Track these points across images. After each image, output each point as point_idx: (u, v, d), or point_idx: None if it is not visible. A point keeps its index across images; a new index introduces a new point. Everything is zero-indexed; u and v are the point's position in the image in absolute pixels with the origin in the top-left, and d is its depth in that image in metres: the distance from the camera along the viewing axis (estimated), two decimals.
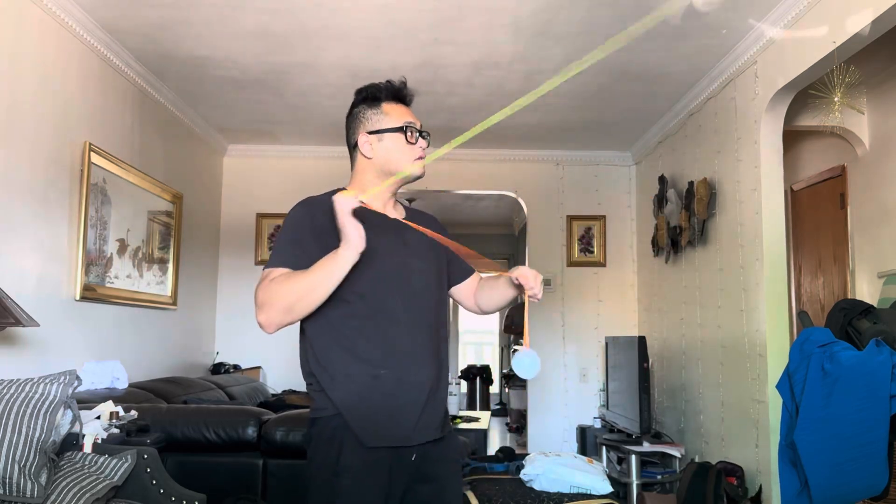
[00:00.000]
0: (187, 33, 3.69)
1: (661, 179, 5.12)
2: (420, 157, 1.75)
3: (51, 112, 3.31)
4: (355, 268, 1.58)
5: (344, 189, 1.71)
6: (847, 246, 4.31)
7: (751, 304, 3.77)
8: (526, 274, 1.70)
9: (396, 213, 1.80)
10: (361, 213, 1.58)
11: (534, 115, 4.98)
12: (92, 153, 3.61)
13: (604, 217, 5.92)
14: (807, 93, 3.44)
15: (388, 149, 1.73)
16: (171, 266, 4.69)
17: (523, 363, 1.66)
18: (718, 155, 4.22)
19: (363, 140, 1.74)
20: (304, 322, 1.67)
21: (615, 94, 4.56)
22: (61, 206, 3.41)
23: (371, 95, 1.75)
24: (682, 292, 4.81)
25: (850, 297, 4.22)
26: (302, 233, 1.68)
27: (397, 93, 1.76)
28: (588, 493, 3.83)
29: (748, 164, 3.82)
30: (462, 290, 1.93)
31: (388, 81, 1.76)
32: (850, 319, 2.66)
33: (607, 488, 4.11)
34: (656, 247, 5.26)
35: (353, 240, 1.52)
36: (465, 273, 1.92)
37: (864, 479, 2.36)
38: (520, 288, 1.73)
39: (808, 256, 4.74)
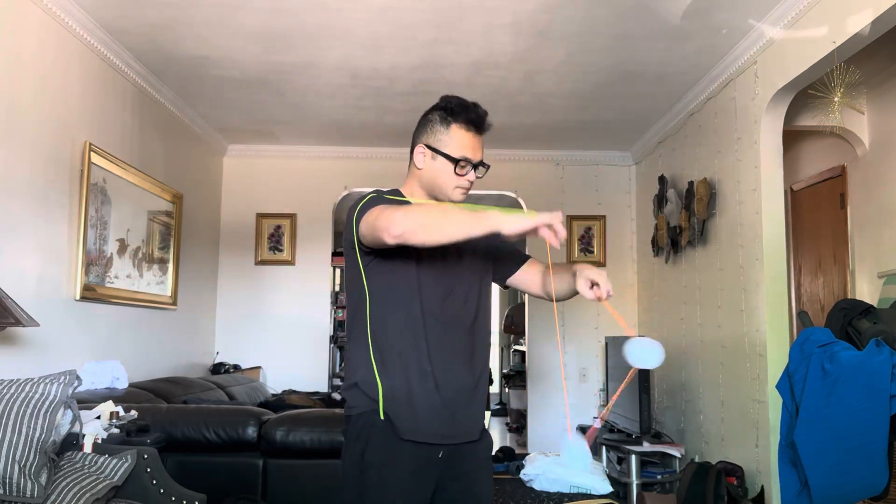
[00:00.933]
0: (187, 33, 3.69)
1: (661, 179, 5.12)
2: (463, 189, 1.76)
3: (51, 112, 3.31)
4: (419, 266, 1.67)
5: (398, 190, 1.80)
6: (847, 246, 4.31)
7: (751, 304, 3.77)
8: (600, 276, 1.65)
9: None
10: None
11: (534, 115, 4.98)
12: (92, 153, 3.61)
13: (604, 217, 5.92)
14: (807, 93, 3.44)
15: (437, 170, 1.75)
16: (171, 266, 4.69)
17: (641, 353, 1.56)
18: (718, 155, 4.22)
19: (420, 150, 1.77)
20: (364, 314, 1.71)
21: (615, 94, 4.56)
22: (61, 206, 3.41)
23: (449, 110, 1.75)
24: (682, 292, 4.81)
25: (850, 297, 4.22)
26: (386, 199, 1.71)
27: (473, 121, 1.74)
28: (588, 493, 3.84)
29: (748, 164, 3.82)
30: (522, 278, 1.91)
31: (473, 105, 1.76)
32: (850, 319, 2.66)
33: (607, 488, 4.11)
34: (656, 247, 5.26)
35: (524, 219, 1.46)
36: (519, 260, 1.91)
37: (864, 479, 2.36)
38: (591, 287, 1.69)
39: (808, 256, 4.74)
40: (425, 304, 1.69)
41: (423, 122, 1.79)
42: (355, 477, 1.66)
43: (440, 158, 1.73)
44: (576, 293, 1.75)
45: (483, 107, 1.78)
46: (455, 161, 1.72)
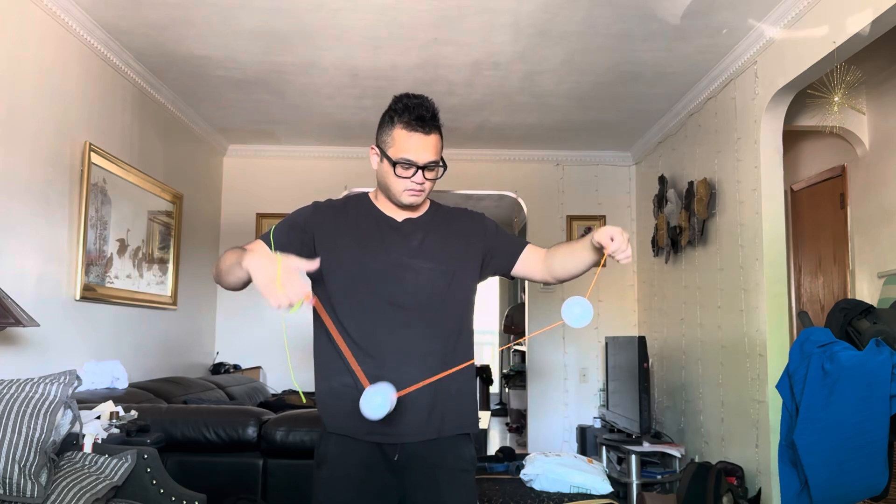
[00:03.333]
0: (187, 33, 3.69)
1: (661, 179, 5.12)
2: (411, 191, 1.69)
3: (51, 112, 3.31)
4: (339, 266, 1.67)
5: (367, 194, 1.81)
6: (847, 246, 4.31)
7: (751, 304, 3.77)
8: (607, 233, 1.57)
9: (411, 214, 1.77)
10: (357, 212, 1.71)
11: (534, 115, 4.98)
12: (92, 153, 3.61)
13: (604, 217, 5.92)
14: (807, 93, 3.44)
15: (384, 172, 1.71)
16: (171, 266, 4.69)
17: (573, 311, 1.52)
18: (718, 155, 4.22)
19: (372, 151, 1.74)
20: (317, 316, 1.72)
21: (615, 94, 4.56)
22: (61, 207, 3.41)
23: (394, 109, 1.69)
24: (682, 292, 4.81)
25: (850, 297, 4.22)
26: (298, 220, 1.74)
27: (415, 120, 1.66)
28: (588, 493, 3.83)
29: (748, 164, 3.82)
30: (524, 266, 1.85)
31: (417, 104, 1.67)
32: (850, 319, 2.66)
33: (607, 488, 4.11)
34: (656, 247, 5.26)
35: (254, 263, 1.45)
36: (516, 249, 1.85)
37: (864, 479, 2.36)
38: (600, 252, 1.63)
39: (808, 256, 4.74)
40: (374, 298, 1.67)
41: (379, 122, 1.74)
42: (313, 472, 1.71)
43: (385, 160, 1.69)
44: (586, 269, 1.74)
45: (432, 103, 1.69)
46: (393, 163, 1.66)
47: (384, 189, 1.74)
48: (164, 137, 4.63)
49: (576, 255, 1.74)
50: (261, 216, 5.81)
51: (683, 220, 4.64)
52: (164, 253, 4.62)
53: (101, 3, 3.37)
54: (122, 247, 4.03)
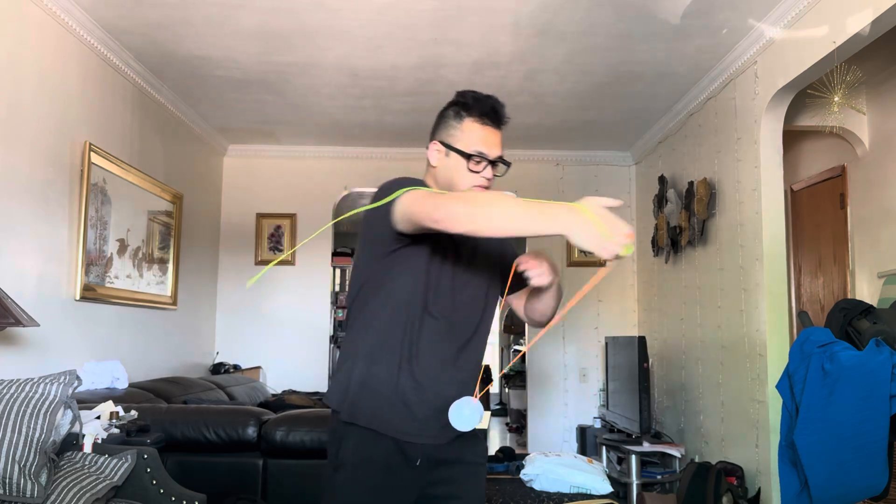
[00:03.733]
0: (187, 33, 3.69)
1: (661, 179, 5.12)
2: (480, 186, 1.66)
3: (51, 112, 3.31)
4: (430, 263, 1.61)
5: (423, 181, 1.68)
6: (847, 246, 4.31)
7: (751, 304, 3.77)
8: (524, 258, 1.58)
9: None
10: None
11: (534, 115, 4.98)
12: (92, 153, 3.61)
13: None
14: (807, 93, 3.44)
15: (451, 167, 1.67)
16: (171, 266, 4.69)
17: (461, 413, 1.53)
18: (718, 155, 4.22)
19: (434, 146, 1.70)
20: (363, 304, 1.65)
21: (615, 94, 4.56)
22: (61, 206, 3.41)
23: (462, 104, 1.67)
24: (682, 292, 4.81)
25: (850, 297, 4.22)
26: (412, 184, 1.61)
27: (487, 113, 1.65)
28: (588, 493, 3.83)
29: (748, 164, 3.82)
30: (516, 301, 1.85)
31: (487, 97, 1.67)
32: (850, 319, 2.66)
33: (607, 488, 4.11)
34: (656, 247, 5.26)
35: (571, 218, 1.25)
36: (522, 282, 1.76)
37: (864, 479, 2.36)
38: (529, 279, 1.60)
39: (808, 256, 4.74)
40: (428, 304, 1.62)
41: (439, 119, 1.72)
42: (328, 477, 1.63)
43: (453, 155, 1.66)
44: (551, 297, 1.72)
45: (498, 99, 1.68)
46: (468, 156, 1.64)
47: (448, 186, 1.68)
48: (164, 137, 4.63)
49: (533, 294, 1.74)
50: (261, 216, 5.81)
51: (683, 220, 4.64)
52: (164, 253, 4.62)
53: (101, 3, 3.37)
54: (122, 247, 4.03)
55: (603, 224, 1.23)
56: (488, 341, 1.81)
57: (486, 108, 1.65)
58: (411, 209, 1.46)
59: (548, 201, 1.31)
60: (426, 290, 1.62)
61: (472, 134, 1.65)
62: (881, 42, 3.16)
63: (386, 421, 1.59)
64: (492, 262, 1.75)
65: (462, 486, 1.69)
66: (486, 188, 1.67)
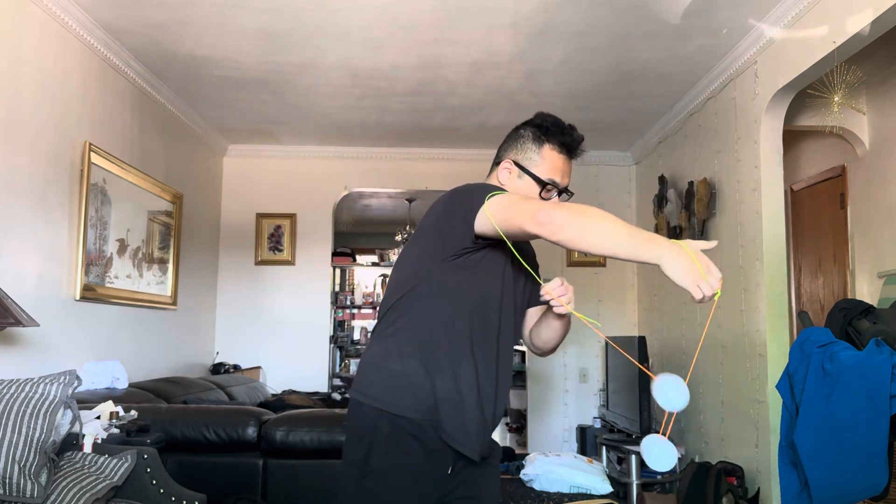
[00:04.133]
0: (187, 33, 3.69)
1: (661, 179, 5.12)
2: None
3: (51, 112, 3.31)
4: (493, 274, 1.59)
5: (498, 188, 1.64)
6: (847, 246, 4.31)
7: (751, 304, 3.77)
8: (549, 287, 1.55)
9: None
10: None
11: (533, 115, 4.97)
12: (92, 153, 3.61)
13: None
14: (807, 93, 3.44)
15: (520, 189, 1.65)
16: (171, 266, 4.69)
17: (654, 453, 1.39)
18: (718, 155, 4.22)
19: (506, 165, 1.69)
20: (416, 306, 1.60)
21: (615, 94, 4.56)
22: (61, 207, 3.41)
23: (544, 128, 1.66)
24: (683, 292, 4.79)
25: (850, 297, 4.22)
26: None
27: (568, 144, 1.66)
28: (588, 493, 3.83)
29: (748, 164, 3.82)
30: (526, 320, 1.83)
31: (570, 127, 1.68)
32: (850, 319, 2.66)
33: (607, 488, 4.11)
34: None
35: (674, 255, 1.32)
36: (538, 297, 1.75)
37: (864, 479, 2.36)
38: (559, 315, 1.61)
39: (808, 256, 4.74)
40: (484, 313, 1.61)
41: (514, 137, 1.69)
42: (354, 481, 1.56)
43: (527, 178, 1.65)
44: (561, 328, 1.70)
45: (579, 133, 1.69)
46: (543, 183, 1.64)
47: None
48: (164, 137, 4.63)
49: (545, 321, 1.72)
50: (261, 216, 5.81)
51: (683, 220, 4.64)
52: (164, 253, 4.62)
53: (101, 3, 3.37)
54: (122, 247, 4.03)
55: (700, 265, 1.28)
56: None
57: (567, 139, 1.66)
58: (509, 210, 1.43)
59: (648, 232, 1.36)
60: (484, 300, 1.60)
61: (551, 161, 1.66)
62: (881, 42, 3.16)
63: (455, 437, 1.55)
64: (520, 279, 1.71)
65: (481, 487, 1.69)
66: None
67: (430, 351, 1.57)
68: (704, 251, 1.34)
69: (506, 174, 1.68)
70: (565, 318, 1.67)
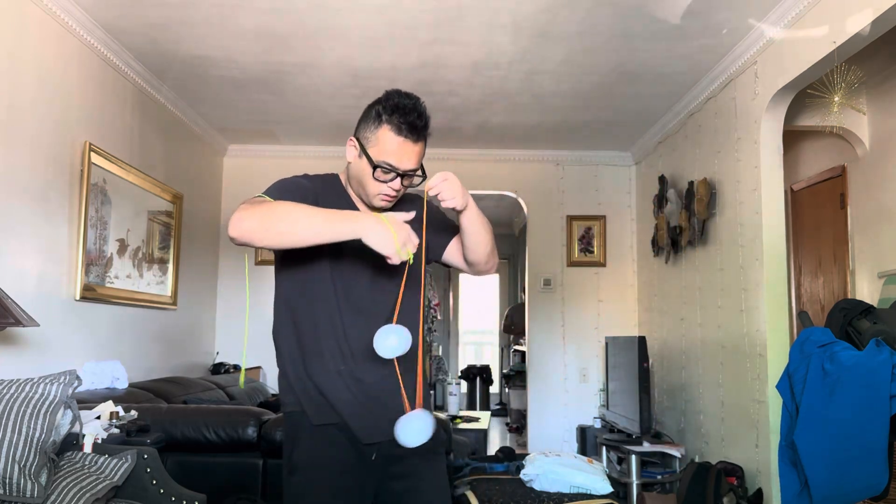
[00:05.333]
0: (187, 33, 3.69)
1: (661, 179, 5.12)
2: (385, 196, 1.61)
3: (51, 112, 3.31)
4: (332, 254, 1.58)
5: (336, 175, 1.73)
6: (847, 246, 4.31)
7: (751, 304, 3.77)
8: (432, 183, 1.54)
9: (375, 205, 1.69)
10: (328, 195, 1.62)
11: (534, 115, 4.98)
12: (92, 153, 3.61)
13: (604, 217, 5.92)
14: (807, 93, 3.44)
15: (361, 169, 1.61)
16: (171, 266, 4.69)
17: (410, 427, 1.44)
18: (718, 155, 4.22)
19: (350, 141, 1.65)
20: (283, 306, 1.66)
21: (615, 94, 4.56)
22: (61, 207, 3.41)
23: (385, 107, 1.58)
24: (682, 292, 4.81)
25: (850, 297, 4.22)
26: (291, 188, 1.61)
27: (407, 126, 1.56)
28: (588, 493, 3.83)
29: (748, 164, 3.82)
30: (452, 254, 1.79)
31: (412, 106, 1.57)
32: (850, 319, 2.66)
33: (607, 488, 4.11)
34: (656, 247, 5.26)
35: (368, 225, 1.40)
36: (447, 236, 1.78)
37: (864, 479, 2.36)
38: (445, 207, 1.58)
39: (808, 256, 4.74)
40: (341, 296, 1.61)
41: (365, 113, 1.64)
42: (285, 479, 1.63)
43: (364, 158, 1.59)
44: (474, 237, 1.68)
45: (425, 109, 1.59)
46: (374, 166, 1.57)
47: (357, 186, 1.65)
48: (164, 137, 4.63)
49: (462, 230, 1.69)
50: None
51: (683, 220, 4.63)
52: (164, 253, 4.62)
53: (101, 3, 3.37)
54: (122, 247, 4.03)
55: (397, 234, 1.39)
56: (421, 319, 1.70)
57: (406, 120, 1.55)
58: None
59: (345, 211, 1.46)
60: (335, 283, 1.63)
61: (386, 144, 1.57)
62: (881, 42, 3.16)
63: (328, 421, 1.61)
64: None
65: (420, 478, 1.66)
66: (392, 198, 1.63)
67: (299, 349, 1.65)
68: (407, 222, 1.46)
69: (351, 151, 1.64)
70: (467, 214, 1.63)
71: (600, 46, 3.81)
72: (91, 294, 3.64)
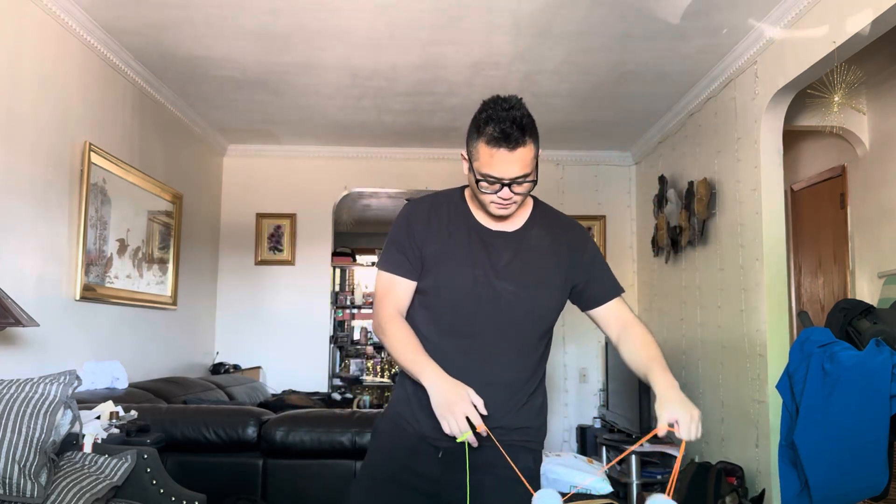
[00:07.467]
0: (187, 33, 3.69)
1: (661, 179, 5.12)
2: (498, 204, 1.62)
3: (51, 112, 3.31)
4: (433, 277, 1.68)
5: (462, 190, 1.77)
6: (847, 246, 4.31)
7: (751, 304, 3.77)
8: (670, 418, 1.56)
9: (505, 226, 1.72)
10: (449, 217, 1.71)
11: (534, 115, 4.95)
12: (92, 153, 3.61)
13: (604, 217, 5.92)
14: (807, 93, 3.44)
15: (471, 182, 1.65)
16: (171, 266, 4.69)
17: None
18: (718, 155, 4.22)
19: (462, 156, 1.68)
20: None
21: (615, 94, 4.56)
22: (61, 207, 3.41)
23: (480, 120, 1.59)
24: (682, 292, 4.81)
25: (850, 297, 4.22)
26: (400, 236, 1.71)
27: (497, 138, 1.54)
28: (588, 493, 3.83)
29: (748, 164, 3.82)
30: (599, 317, 1.86)
31: (502, 116, 1.57)
32: (850, 319, 2.66)
33: (607, 488, 4.11)
34: (656, 247, 5.26)
35: (435, 386, 1.55)
36: (601, 298, 1.82)
37: (864, 479, 2.36)
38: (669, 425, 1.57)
39: (808, 256, 4.74)
40: (448, 306, 1.68)
41: (469, 127, 1.64)
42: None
43: (472, 172, 1.62)
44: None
45: (521, 115, 1.60)
46: (477, 179, 1.59)
47: (473, 196, 1.70)
48: (164, 137, 4.63)
49: (640, 370, 1.80)
50: (261, 216, 5.81)
51: (683, 220, 4.63)
52: (164, 253, 4.62)
53: (101, 3, 3.37)
54: (122, 247, 4.03)
55: (447, 408, 1.49)
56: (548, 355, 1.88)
57: (496, 132, 1.54)
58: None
59: (426, 359, 1.60)
60: (443, 294, 1.73)
61: (484, 157, 1.57)
62: (881, 42, 3.16)
63: (413, 427, 1.75)
64: (536, 273, 1.73)
65: (487, 495, 1.59)
66: (508, 205, 1.64)
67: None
68: None
69: (465, 165, 1.67)
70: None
71: (600, 46, 3.81)
72: (91, 294, 3.64)
